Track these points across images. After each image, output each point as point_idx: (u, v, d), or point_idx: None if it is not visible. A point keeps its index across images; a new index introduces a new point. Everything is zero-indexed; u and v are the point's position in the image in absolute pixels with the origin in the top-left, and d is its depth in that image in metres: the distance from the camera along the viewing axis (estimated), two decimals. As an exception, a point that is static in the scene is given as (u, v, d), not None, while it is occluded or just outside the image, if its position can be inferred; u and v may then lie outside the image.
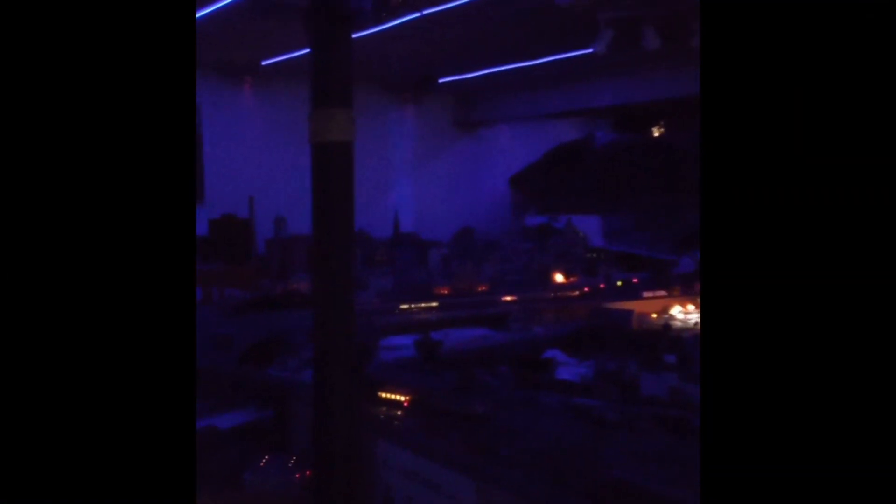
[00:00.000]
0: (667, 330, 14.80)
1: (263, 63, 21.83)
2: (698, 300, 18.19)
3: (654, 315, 17.61)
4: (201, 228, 18.90)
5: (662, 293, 18.77)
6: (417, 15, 14.91)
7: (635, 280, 20.33)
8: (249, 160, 24.53)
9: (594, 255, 23.24)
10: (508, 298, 18.55)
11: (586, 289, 20.11)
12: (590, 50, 16.29)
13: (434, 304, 18.10)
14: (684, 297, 18.58)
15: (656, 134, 30.72)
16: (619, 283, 20.28)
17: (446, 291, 19.28)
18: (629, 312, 15.54)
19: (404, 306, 17.63)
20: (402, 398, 7.93)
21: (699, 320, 16.44)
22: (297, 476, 6.95)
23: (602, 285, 20.35)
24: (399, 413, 7.70)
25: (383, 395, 8.04)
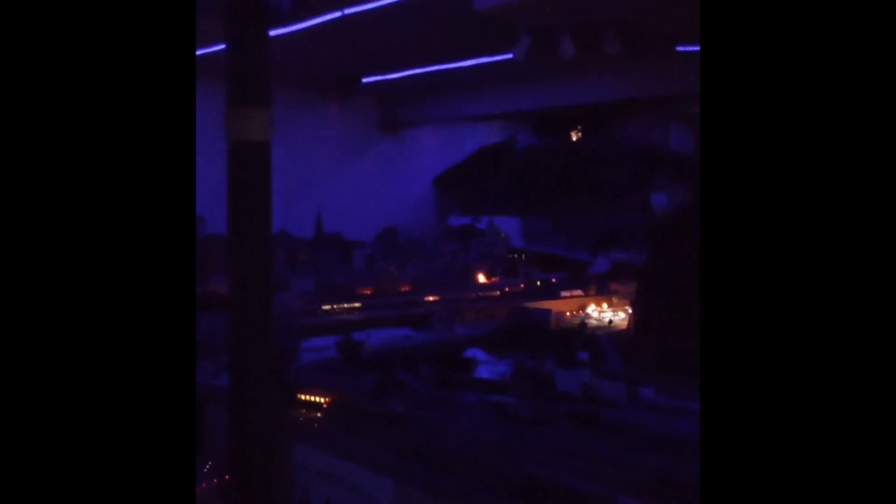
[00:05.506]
0: (582, 328, 15.30)
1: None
2: (612, 299, 18.88)
3: (571, 313, 18.19)
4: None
5: (579, 292, 19.40)
6: (338, 15, 14.81)
7: (553, 280, 20.91)
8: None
9: (515, 255, 23.73)
10: (431, 298, 18.69)
11: (507, 288, 20.52)
12: (509, 55, 16.62)
13: (357, 304, 18.00)
14: (599, 296, 19.27)
15: (574, 138, 31.64)
16: (538, 283, 20.81)
17: (369, 291, 19.20)
18: (547, 311, 15.95)
19: (327, 307, 17.43)
20: (322, 400, 7.89)
21: (611, 319, 17.06)
22: (213, 482, 6.80)
23: (522, 285, 20.82)
24: (318, 415, 7.67)
25: (303, 397, 7.98)
